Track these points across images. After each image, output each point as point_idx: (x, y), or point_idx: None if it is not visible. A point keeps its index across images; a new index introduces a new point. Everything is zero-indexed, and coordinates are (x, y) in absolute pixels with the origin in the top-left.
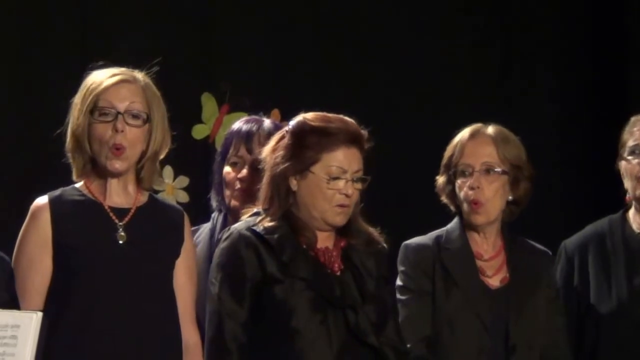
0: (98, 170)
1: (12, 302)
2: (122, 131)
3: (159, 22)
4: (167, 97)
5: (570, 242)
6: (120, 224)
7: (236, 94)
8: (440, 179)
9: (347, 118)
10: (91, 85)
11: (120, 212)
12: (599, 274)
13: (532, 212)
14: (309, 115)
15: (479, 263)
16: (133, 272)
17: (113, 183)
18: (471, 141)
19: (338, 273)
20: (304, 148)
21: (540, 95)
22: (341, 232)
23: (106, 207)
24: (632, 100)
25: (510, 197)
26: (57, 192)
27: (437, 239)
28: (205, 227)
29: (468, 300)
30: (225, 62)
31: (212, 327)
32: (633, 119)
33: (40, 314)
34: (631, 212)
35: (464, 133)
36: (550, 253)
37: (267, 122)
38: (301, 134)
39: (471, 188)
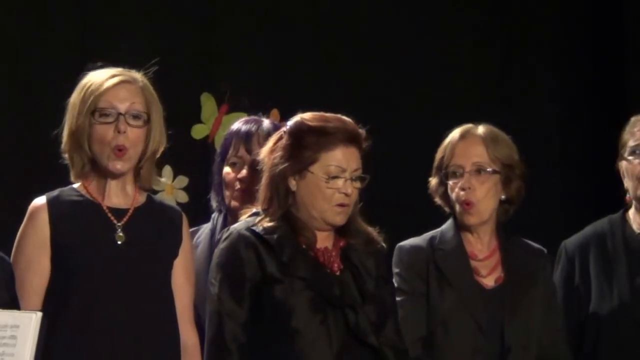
0: (97, 171)
1: (12, 303)
2: (124, 132)
3: (158, 23)
4: (166, 97)
5: (571, 242)
6: (119, 224)
7: (235, 94)
8: (433, 181)
9: (344, 117)
10: (90, 86)
11: (119, 213)
12: (600, 274)
13: (532, 212)
14: (307, 115)
15: (473, 263)
16: (131, 273)
17: (112, 184)
18: (461, 142)
19: (337, 273)
20: (303, 148)
21: (540, 95)
22: (340, 232)
23: (104, 208)
24: (632, 100)
25: (502, 197)
26: (55, 192)
27: (431, 240)
28: (206, 228)
29: (462, 301)
30: (225, 62)
31: (212, 328)
32: (633, 119)
33: (39, 314)
34: (631, 212)
35: (454, 134)
36: (546, 252)
37: (266, 123)
38: (299, 134)
39: (462, 189)
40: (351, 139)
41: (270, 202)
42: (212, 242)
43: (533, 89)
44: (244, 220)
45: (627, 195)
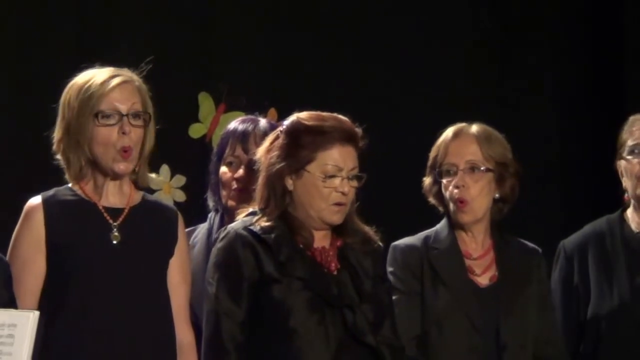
0: (96, 172)
1: (11, 303)
2: (129, 133)
3: (157, 22)
4: (164, 96)
5: (569, 241)
6: (114, 224)
7: (233, 93)
8: (427, 180)
9: (341, 116)
10: (89, 87)
11: (114, 212)
12: (599, 273)
13: (531, 212)
14: (303, 115)
15: (468, 262)
16: (127, 272)
17: (110, 184)
18: (455, 140)
19: (335, 272)
20: (299, 147)
21: (540, 95)
22: (337, 231)
23: (100, 208)
24: (631, 100)
25: (496, 195)
26: (50, 192)
27: (426, 239)
28: (202, 227)
29: (457, 300)
30: (223, 61)
31: (209, 327)
32: (632, 118)
33: (37, 313)
34: (629, 212)
35: (448, 133)
36: (541, 251)
37: (262, 122)
38: (296, 134)
39: (456, 187)
40: (348, 138)
41: (267, 201)
42: (209, 241)
43: (533, 89)
44: (241, 219)
45: (626, 195)
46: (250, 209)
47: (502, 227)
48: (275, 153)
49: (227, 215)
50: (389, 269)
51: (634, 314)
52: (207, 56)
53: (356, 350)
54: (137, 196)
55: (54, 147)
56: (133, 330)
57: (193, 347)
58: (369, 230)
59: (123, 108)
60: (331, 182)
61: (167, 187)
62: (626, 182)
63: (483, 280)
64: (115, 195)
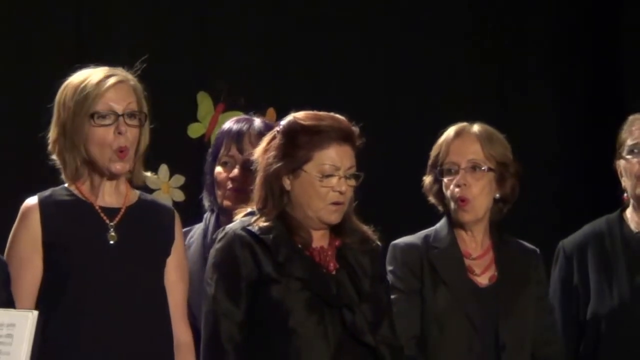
0: (92, 172)
1: (9, 304)
2: (125, 133)
3: (155, 21)
4: (162, 95)
5: (569, 241)
6: (111, 224)
7: (232, 93)
8: (427, 179)
9: (338, 115)
10: (85, 87)
11: (111, 212)
12: (599, 273)
13: (530, 212)
14: (300, 115)
15: (468, 262)
16: (124, 272)
17: (107, 184)
18: (457, 139)
19: (333, 272)
20: (296, 147)
21: (540, 95)
22: (336, 231)
23: (97, 207)
24: (631, 100)
25: (497, 195)
26: (47, 192)
27: (426, 238)
28: (198, 228)
29: (457, 299)
30: (221, 61)
31: (208, 327)
32: (631, 117)
33: (35, 313)
34: (628, 212)
35: (449, 132)
36: (539, 251)
37: (257, 122)
38: (292, 134)
39: (457, 185)
40: (345, 137)
41: (265, 201)
42: (205, 242)
43: (533, 89)
44: (240, 220)
45: (625, 195)
46: (249, 210)
47: (501, 228)
48: (272, 153)
49: (223, 215)
50: (389, 267)
51: (633, 314)
52: (206, 56)
53: (355, 350)
54: (133, 196)
55: (50, 147)
56: (130, 330)
57: (191, 346)
58: (368, 230)
59: (119, 108)
60: (328, 181)
61: (166, 186)
62: (625, 182)
63: (483, 280)
64: (111, 195)
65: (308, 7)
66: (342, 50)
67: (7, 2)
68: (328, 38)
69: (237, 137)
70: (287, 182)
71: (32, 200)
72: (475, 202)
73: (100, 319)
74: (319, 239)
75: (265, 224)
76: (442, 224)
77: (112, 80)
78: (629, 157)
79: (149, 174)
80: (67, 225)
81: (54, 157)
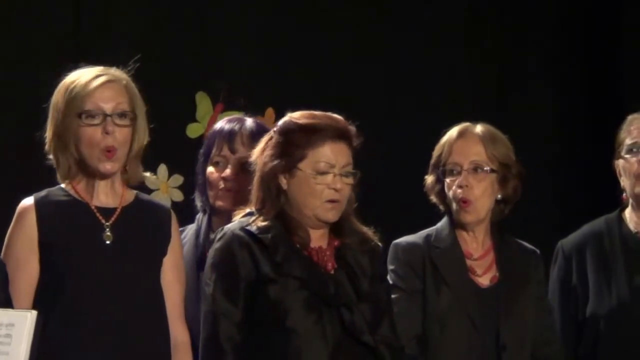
0: (85, 172)
1: (7, 304)
2: (112, 133)
3: (154, 21)
4: (161, 95)
5: (568, 241)
6: (107, 224)
7: (231, 93)
8: (429, 179)
9: (334, 115)
10: (74, 87)
11: (107, 212)
12: (598, 273)
13: (530, 212)
14: (296, 114)
15: (469, 262)
16: (120, 272)
17: (101, 183)
18: (459, 140)
19: (332, 272)
20: (292, 146)
21: (540, 95)
22: (335, 231)
23: (92, 207)
24: (631, 100)
25: (499, 196)
26: (43, 192)
27: (427, 237)
28: (191, 229)
29: (458, 300)
30: (220, 61)
31: (207, 327)
32: (630, 117)
33: (34, 313)
34: (627, 211)
35: (452, 132)
36: (539, 252)
37: (249, 121)
38: (288, 132)
39: (460, 186)
40: (340, 135)
41: (263, 201)
42: (197, 242)
43: (533, 89)
44: (238, 220)
45: (624, 194)
46: (247, 210)
47: (502, 228)
48: (268, 153)
49: (215, 216)
50: (390, 266)
51: (632, 314)
52: (205, 56)
53: (354, 350)
54: (129, 195)
55: (46, 147)
56: (127, 330)
57: (188, 345)
58: (367, 231)
59: (107, 108)
60: (323, 179)
61: (165, 186)
62: (624, 181)
63: (484, 280)
64: (107, 195)
65: (308, 7)
66: (342, 50)
67: (7, 2)
68: (328, 38)
69: (229, 137)
70: (283, 181)
71: (28, 201)
72: (477, 203)
73: (97, 319)
74: (318, 239)
75: (264, 223)
76: (443, 223)
77: (101, 80)
78: (627, 156)
79: (147, 174)
80: (63, 225)
81: (50, 156)
